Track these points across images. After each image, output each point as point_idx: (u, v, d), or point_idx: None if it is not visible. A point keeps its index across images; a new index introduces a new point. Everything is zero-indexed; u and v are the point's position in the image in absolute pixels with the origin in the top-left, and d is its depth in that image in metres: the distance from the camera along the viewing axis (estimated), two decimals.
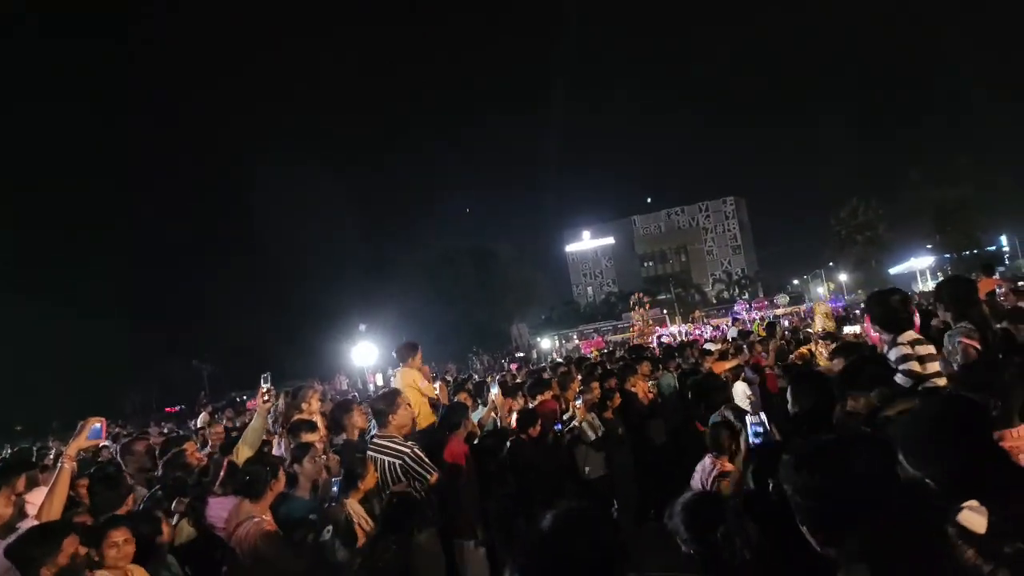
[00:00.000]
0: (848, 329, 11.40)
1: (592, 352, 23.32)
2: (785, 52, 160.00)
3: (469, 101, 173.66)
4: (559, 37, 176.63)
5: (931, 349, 3.66)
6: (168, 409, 40.72)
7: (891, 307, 3.81)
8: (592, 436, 6.26)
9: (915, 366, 3.53)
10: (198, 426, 11.39)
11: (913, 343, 3.63)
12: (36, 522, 3.17)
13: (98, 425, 3.41)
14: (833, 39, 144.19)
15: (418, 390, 5.96)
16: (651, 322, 31.73)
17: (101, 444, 3.86)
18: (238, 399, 27.94)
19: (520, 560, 1.40)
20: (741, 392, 7.09)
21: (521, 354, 36.44)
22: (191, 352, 52.35)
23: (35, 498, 3.44)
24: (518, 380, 9.43)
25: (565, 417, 6.52)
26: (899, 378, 3.54)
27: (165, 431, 13.42)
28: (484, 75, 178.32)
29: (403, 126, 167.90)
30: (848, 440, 1.73)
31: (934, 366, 3.56)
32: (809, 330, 14.14)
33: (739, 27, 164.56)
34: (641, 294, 28.34)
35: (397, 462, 4.45)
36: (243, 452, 4.24)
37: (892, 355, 3.66)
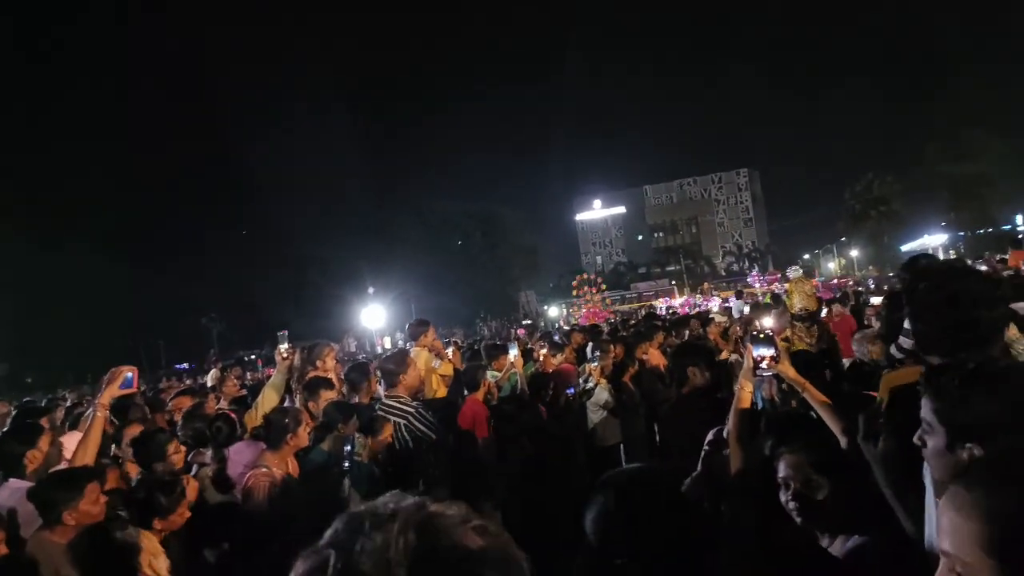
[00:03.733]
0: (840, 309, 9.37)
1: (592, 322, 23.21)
2: (804, 23, 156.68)
3: (482, 65, 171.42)
4: (576, 2, 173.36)
5: None
6: (176, 366, 41.06)
7: None
8: (612, 403, 6.22)
9: None
10: (209, 383, 11.43)
11: None
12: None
13: (130, 374, 3.36)
14: (852, 8, 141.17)
15: (435, 372, 5.87)
16: (600, 303, 31.78)
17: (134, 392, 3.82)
18: (246, 358, 28.18)
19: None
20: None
21: (528, 321, 36.43)
22: (198, 310, 52.68)
23: (68, 441, 3.42)
24: (529, 346, 9.36)
25: (581, 380, 6.48)
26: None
27: (174, 382, 13.51)
28: (498, 38, 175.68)
29: (415, 89, 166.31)
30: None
31: None
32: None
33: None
34: (594, 276, 28.77)
35: (402, 422, 4.40)
36: (265, 404, 4.24)
37: None
